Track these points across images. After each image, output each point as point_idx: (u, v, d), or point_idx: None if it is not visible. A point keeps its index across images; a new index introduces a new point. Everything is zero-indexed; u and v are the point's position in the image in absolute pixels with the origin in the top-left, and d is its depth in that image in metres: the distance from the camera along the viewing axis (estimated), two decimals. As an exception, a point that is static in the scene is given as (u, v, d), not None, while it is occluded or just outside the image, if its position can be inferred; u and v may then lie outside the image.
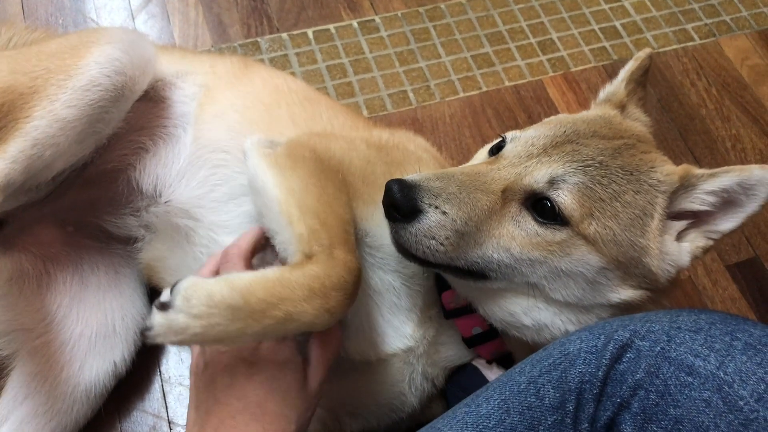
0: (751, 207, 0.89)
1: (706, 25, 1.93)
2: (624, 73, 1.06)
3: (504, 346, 1.00)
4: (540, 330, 0.91)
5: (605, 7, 1.94)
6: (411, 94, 1.72)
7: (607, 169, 0.88)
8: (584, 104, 1.73)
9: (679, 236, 0.92)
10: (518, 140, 0.92)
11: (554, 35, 1.87)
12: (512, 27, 1.88)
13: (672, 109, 1.76)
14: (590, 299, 0.90)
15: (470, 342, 1.00)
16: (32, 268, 1.16)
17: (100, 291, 1.19)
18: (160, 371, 1.30)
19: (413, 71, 1.76)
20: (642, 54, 1.06)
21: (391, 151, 1.07)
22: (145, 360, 1.26)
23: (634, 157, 0.91)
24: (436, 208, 0.85)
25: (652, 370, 0.76)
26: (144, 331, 0.76)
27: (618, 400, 0.77)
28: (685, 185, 0.91)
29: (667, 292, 0.95)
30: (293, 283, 0.81)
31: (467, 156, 1.12)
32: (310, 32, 1.80)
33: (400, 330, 1.00)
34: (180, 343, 0.77)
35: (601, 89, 1.09)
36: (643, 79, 1.06)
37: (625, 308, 0.91)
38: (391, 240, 0.90)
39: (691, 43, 1.89)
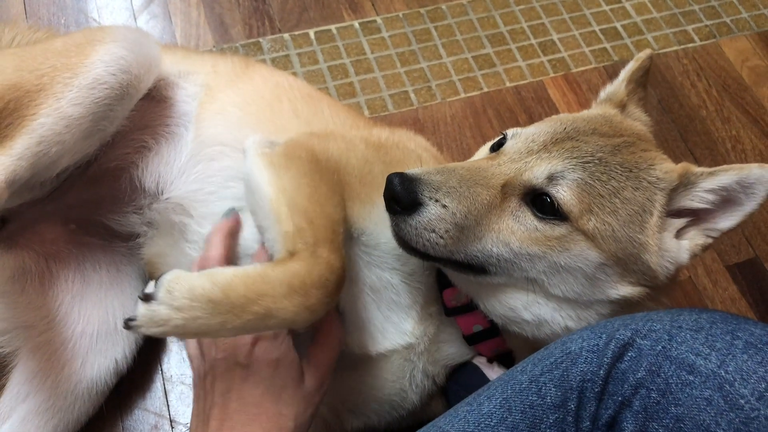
0: (750, 205, 0.89)
1: (706, 26, 1.93)
2: (624, 73, 1.07)
3: (505, 345, 1.01)
4: (540, 325, 0.92)
5: (606, 8, 1.95)
6: (412, 95, 1.73)
7: (607, 166, 0.88)
8: (585, 105, 1.73)
9: (679, 234, 0.92)
10: (519, 137, 0.93)
11: (555, 36, 1.88)
12: (513, 28, 1.88)
13: (672, 110, 1.76)
14: (589, 295, 0.90)
15: (471, 340, 1.00)
16: (35, 266, 1.17)
17: (102, 288, 1.20)
18: (161, 370, 1.30)
19: (414, 72, 1.77)
20: (642, 55, 1.06)
21: (390, 149, 1.07)
22: (146, 358, 1.27)
23: (634, 154, 0.91)
24: (437, 201, 0.86)
25: (654, 368, 0.77)
26: (127, 321, 0.77)
27: (619, 399, 0.77)
28: (685, 183, 0.91)
29: (666, 290, 0.96)
30: (274, 280, 0.81)
31: (468, 156, 1.12)
32: (311, 33, 1.81)
33: (399, 326, 1.00)
34: (162, 334, 0.78)
35: (601, 90, 1.10)
36: (643, 80, 1.07)
37: (625, 305, 0.91)
38: (391, 233, 0.90)
39: (691, 45, 1.89)
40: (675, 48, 1.88)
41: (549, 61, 1.83)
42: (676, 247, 0.91)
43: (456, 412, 0.86)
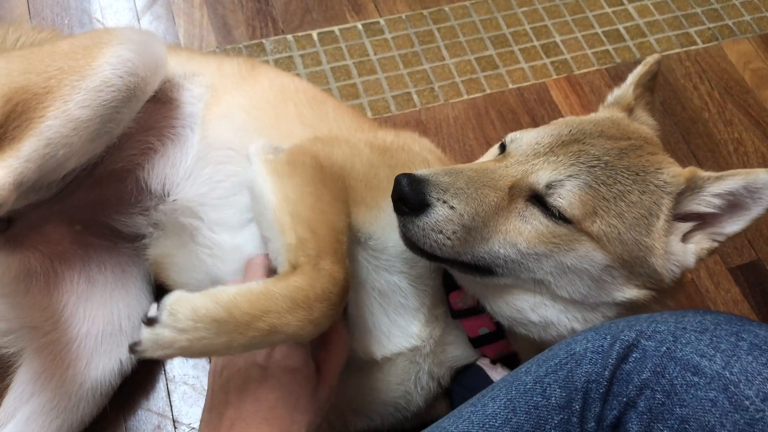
0: (756, 210, 0.90)
1: (709, 29, 1.94)
2: (632, 77, 1.07)
3: (510, 347, 1.01)
4: (546, 327, 0.92)
5: (608, 10, 1.95)
6: (415, 96, 1.73)
7: (613, 169, 0.89)
8: (587, 107, 1.74)
9: (685, 237, 0.93)
10: (521, 140, 0.94)
11: (558, 38, 1.88)
12: (516, 30, 1.89)
13: (675, 113, 1.77)
14: (596, 297, 0.91)
15: (476, 342, 1.00)
16: (40, 267, 1.17)
17: (106, 289, 1.20)
18: (164, 370, 1.30)
19: (417, 73, 1.77)
20: (651, 59, 1.07)
21: (395, 153, 1.07)
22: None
23: (641, 158, 0.92)
24: (444, 202, 0.86)
25: (659, 369, 0.77)
26: (132, 346, 0.77)
27: (624, 400, 0.78)
28: (692, 187, 0.92)
29: (671, 293, 0.96)
30: (277, 295, 0.81)
31: (471, 158, 1.13)
32: (314, 34, 1.81)
33: (406, 330, 1.00)
34: (168, 356, 0.79)
35: (604, 92, 1.11)
36: (651, 84, 1.07)
37: (631, 308, 0.92)
38: (399, 233, 0.91)
39: (694, 47, 1.90)
40: (677, 50, 1.89)
41: (552, 63, 1.83)
42: (682, 250, 0.92)
43: (460, 413, 0.87)
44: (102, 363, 1.16)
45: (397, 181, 0.87)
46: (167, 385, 1.28)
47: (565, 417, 0.80)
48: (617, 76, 1.79)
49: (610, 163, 0.89)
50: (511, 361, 1.03)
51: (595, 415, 0.79)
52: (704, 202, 0.92)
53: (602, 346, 0.81)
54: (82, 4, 1.80)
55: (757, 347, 0.75)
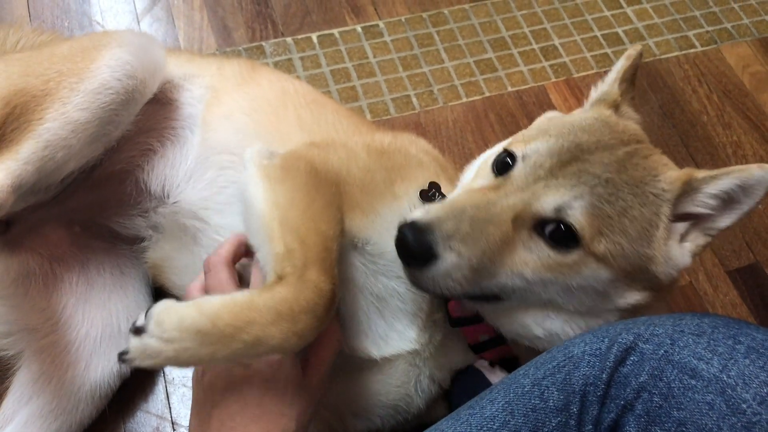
0: (748, 204, 0.90)
1: (707, 32, 1.94)
2: (616, 72, 1.05)
3: (511, 351, 1.01)
4: (551, 339, 0.92)
5: (607, 13, 1.96)
6: (414, 99, 1.73)
7: (614, 186, 0.88)
8: (587, 110, 1.74)
9: (681, 237, 0.93)
10: (528, 159, 0.91)
11: (557, 41, 1.88)
12: (515, 33, 1.89)
13: (673, 116, 1.77)
14: (600, 307, 0.91)
15: (477, 348, 1.01)
16: (38, 269, 1.17)
17: (105, 291, 1.20)
18: (163, 372, 1.30)
19: (416, 76, 1.77)
20: (633, 52, 1.04)
21: (392, 155, 1.07)
22: (149, 361, 1.27)
23: (638, 166, 0.91)
24: (452, 249, 0.85)
25: (656, 372, 0.77)
26: (121, 355, 0.77)
27: (622, 403, 0.78)
28: (688, 190, 0.92)
29: (668, 289, 0.97)
30: (261, 307, 0.80)
31: (470, 160, 1.12)
32: (314, 37, 1.81)
33: (404, 334, 1.00)
34: (155, 366, 0.77)
35: (592, 89, 1.09)
36: (633, 77, 1.05)
37: (632, 310, 0.92)
38: (404, 274, 0.91)
39: (692, 50, 1.90)
40: (676, 53, 1.89)
41: (551, 65, 1.83)
42: (680, 253, 0.92)
43: (458, 416, 0.87)
44: (101, 365, 1.16)
45: (402, 233, 0.87)
46: (166, 387, 1.29)
47: (563, 420, 0.80)
48: (616, 79, 1.79)
49: (610, 180, 0.88)
50: (509, 363, 1.03)
51: (592, 418, 0.79)
52: (701, 204, 0.92)
53: (600, 349, 0.81)
54: (82, 6, 1.80)
55: (754, 350, 0.75)
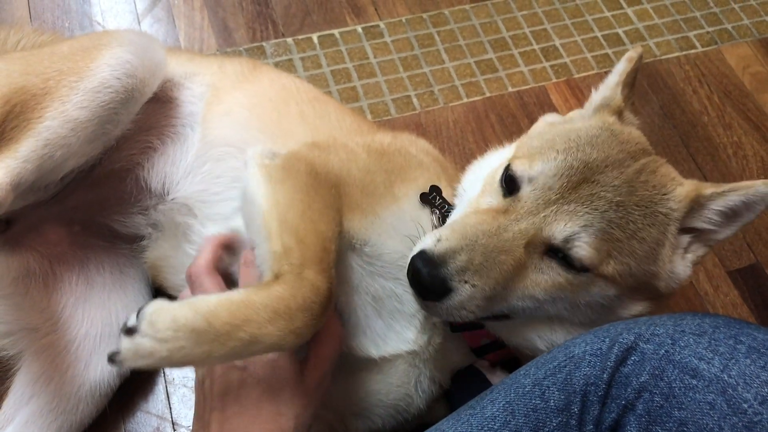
0: (749, 218, 0.92)
1: (708, 32, 1.94)
2: (618, 75, 1.04)
3: (511, 353, 1.02)
4: (551, 348, 0.93)
5: (608, 14, 1.96)
6: (415, 99, 1.73)
7: (625, 210, 0.88)
8: (587, 111, 1.74)
9: (684, 250, 0.95)
10: (527, 185, 0.91)
11: (557, 42, 1.88)
12: (515, 33, 1.89)
13: (674, 116, 1.77)
14: (603, 319, 0.92)
15: (479, 352, 1.01)
16: (38, 268, 1.17)
17: (105, 290, 1.20)
18: (163, 373, 1.30)
19: (417, 76, 1.77)
20: (634, 55, 1.04)
21: (392, 156, 1.07)
22: (149, 361, 1.27)
23: (647, 184, 0.91)
24: (466, 282, 0.86)
25: (657, 372, 0.77)
26: (112, 356, 0.76)
27: (623, 402, 0.78)
28: (695, 206, 0.93)
29: (669, 298, 0.98)
30: (258, 305, 0.80)
31: (471, 161, 1.12)
32: (314, 37, 1.81)
33: (402, 335, 1.00)
34: (148, 366, 0.77)
35: (593, 92, 1.08)
36: (634, 81, 1.05)
37: (632, 316, 0.93)
38: (417, 302, 0.92)
39: (693, 51, 1.90)
40: (677, 54, 1.89)
41: (551, 66, 1.83)
42: (683, 266, 0.94)
43: (459, 416, 0.87)
44: (101, 364, 1.16)
45: (415, 267, 0.87)
46: (166, 387, 1.28)
47: (564, 420, 0.80)
48: (617, 80, 1.79)
49: (621, 203, 0.88)
50: (510, 363, 1.03)
51: (593, 418, 0.79)
52: (706, 220, 0.94)
53: (601, 349, 0.81)
54: (82, 6, 1.80)
55: (755, 350, 0.75)
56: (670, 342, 0.78)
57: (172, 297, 1.20)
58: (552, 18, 1.93)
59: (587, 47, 1.88)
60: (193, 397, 1.26)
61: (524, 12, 1.93)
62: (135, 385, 1.25)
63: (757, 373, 0.73)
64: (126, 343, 0.76)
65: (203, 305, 0.79)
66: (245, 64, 1.27)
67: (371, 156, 1.04)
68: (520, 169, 0.92)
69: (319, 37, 1.81)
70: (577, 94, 1.78)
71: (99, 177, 1.17)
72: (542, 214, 0.88)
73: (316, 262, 0.86)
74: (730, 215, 0.93)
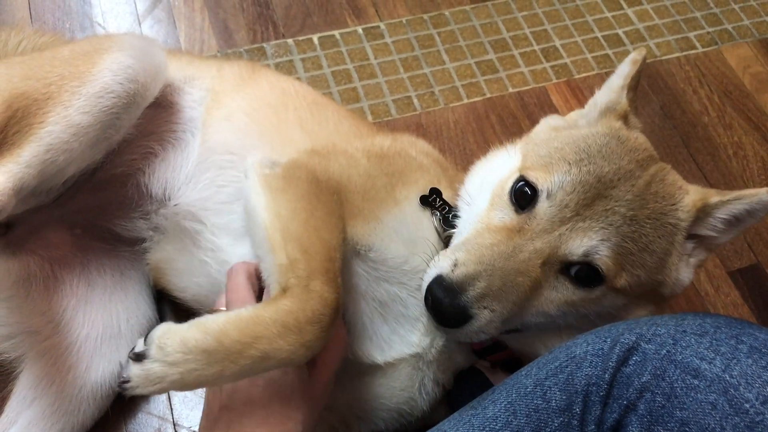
0: (750, 223, 0.95)
1: (708, 33, 1.94)
2: (622, 79, 1.03)
3: (513, 354, 1.02)
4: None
5: (608, 15, 1.96)
6: (415, 100, 1.73)
7: (638, 223, 0.89)
8: (587, 111, 1.74)
9: (688, 256, 0.97)
10: (553, 198, 0.90)
11: (557, 42, 1.88)
12: (516, 34, 1.89)
13: (674, 117, 1.77)
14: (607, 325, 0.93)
15: (481, 354, 1.01)
16: (40, 271, 1.16)
17: (106, 293, 1.20)
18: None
19: (417, 77, 1.78)
20: (638, 57, 1.03)
21: (393, 159, 1.07)
22: (150, 362, 1.27)
23: (657, 196, 0.92)
24: (485, 308, 0.87)
25: (659, 372, 0.77)
26: (121, 384, 0.76)
27: (624, 402, 0.78)
28: (701, 215, 0.95)
29: (670, 300, 1.00)
30: (267, 320, 0.80)
31: (471, 161, 1.12)
32: (315, 38, 1.81)
33: (405, 338, 1.00)
34: (160, 391, 0.77)
35: (595, 94, 1.07)
36: (637, 84, 1.05)
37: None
38: (435, 329, 0.94)
39: (693, 51, 1.90)
40: (677, 55, 1.89)
41: (552, 67, 1.83)
42: (687, 272, 0.95)
43: (460, 417, 0.87)
44: (102, 366, 1.16)
45: (436, 297, 0.88)
46: (168, 388, 1.28)
47: (566, 420, 0.80)
48: (617, 80, 1.79)
49: (634, 217, 0.89)
50: (511, 363, 1.03)
51: (595, 418, 0.79)
52: (710, 227, 0.95)
53: (602, 349, 0.81)
54: (83, 8, 1.81)
55: (756, 350, 0.75)
56: (671, 342, 0.78)
57: (174, 299, 1.20)
58: (552, 19, 1.93)
59: (588, 48, 1.88)
60: (194, 398, 1.26)
61: (524, 13, 1.93)
62: (137, 387, 1.25)
63: (759, 373, 0.73)
64: (136, 370, 0.76)
65: (212, 325, 0.79)
66: (244, 67, 1.27)
67: (371, 160, 1.04)
68: (534, 182, 0.92)
69: (319, 38, 1.82)
70: (578, 94, 1.78)
71: (101, 181, 1.17)
72: (557, 233, 0.88)
73: (322, 272, 0.85)
74: (733, 222, 0.94)
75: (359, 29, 1.84)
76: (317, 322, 0.82)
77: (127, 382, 0.76)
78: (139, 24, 1.79)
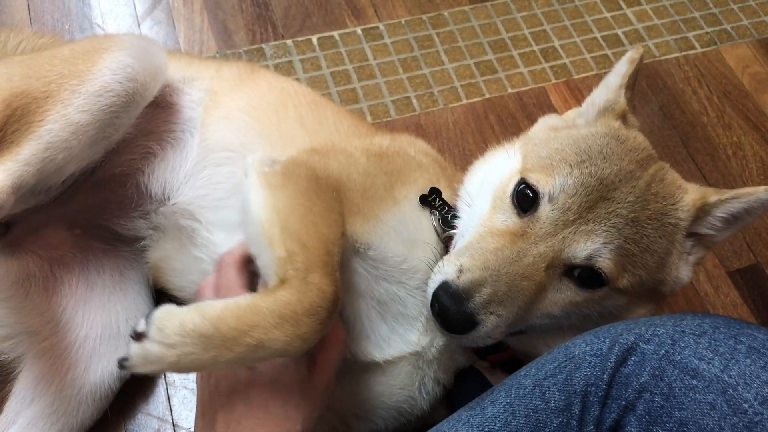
0: (748, 221, 0.96)
1: (707, 33, 1.94)
2: (621, 78, 1.03)
3: (513, 354, 1.02)
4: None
5: (607, 15, 1.96)
6: (414, 101, 1.73)
7: (639, 225, 0.90)
8: (587, 111, 1.74)
9: (687, 254, 0.97)
10: (556, 201, 0.90)
11: (557, 43, 1.88)
12: (515, 35, 1.89)
13: (674, 117, 1.77)
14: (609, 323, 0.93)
15: (481, 354, 1.01)
16: (39, 271, 1.17)
17: (105, 293, 1.20)
18: (164, 374, 1.30)
19: (417, 78, 1.78)
20: (635, 56, 1.03)
21: (391, 159, 1.07)
22: (150, 363, 1.27)
23: (657, 196, 0.93)
24: (491, 313, 0.87)
25: (657, 373, 0.77)
26: (121, 361, 0.77)
27: (623, 403, 0.78)
28: (701, 214, 0.95)
29: (669, 298, 1.00)
30: (264, 310, 0.80)
31: (470, 161, 1.12)
32: (314, 39, 1.81)
33: (404, 337, 1.00)
34: (157, 371, 0.77)
35: (593, 93, 1.07)
36: (635, 82, 1.05)
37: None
38: (441, 334, 0.95)
39: (692, 51, 1.90)
40: (676, 55, 1.89)
41: (551, 67, 1.83)
42: (686, 270, 0.96)
43: (459, 417, 0.87)
44: (101, 366, 1.16)
45: (443, 305, 0.88)
46: (167, 389, 1.28)
47: (564, 420, 0.80)
48: (616, 81, 1.79)
49: (636, 219, 0.90)
50: (510, 364, 1.03)
51: (594, 419, 0.79)
52: (709, 225, 0.96)
53: (601, 349, 0.81)
54: (82, 9, 1.81)
55: (755, 350, 0.75)
56: (670, 342, 0.78)
57: (174, 298, 1.20)
58: (551, 19, 1.93)
59: (587, 48, 1.88)
60: (194, 398, 1.26)
61: (523, 13, 1.94)
62: (136, 387, 1.25)
63: (758, 373, 0.73)
64: (135, 349, 0.76)
65: (211, 310, 0.79)
66: (243, 67, 1.27)
67: (370, 159, 1.04)
68: (535, 185, 0.92)
69: (318, 38, 1.82)
70: (577, 94, 1.78)
71: (100, 181, 1.17)
72: (560, 236, 0.89)
73: (320, 265, 0.85)
74: (731, 220, 0.95)
75: (358, 30, 1.84)
76: (314, 314, 0.82)
77: (127, 359, 0.77)
78: (138, 25, 1.80)
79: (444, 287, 0.89)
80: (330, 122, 1.18)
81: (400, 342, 1.00)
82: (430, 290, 0.91)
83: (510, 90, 1.78)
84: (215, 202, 1.12)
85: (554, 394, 0.81)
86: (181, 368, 0.78)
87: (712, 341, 0.77)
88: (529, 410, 0.82)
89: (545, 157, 0.95)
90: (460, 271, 0.89)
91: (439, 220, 1.01)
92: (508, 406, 0.83)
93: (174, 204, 1.15)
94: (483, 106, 1.74)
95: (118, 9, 1.82)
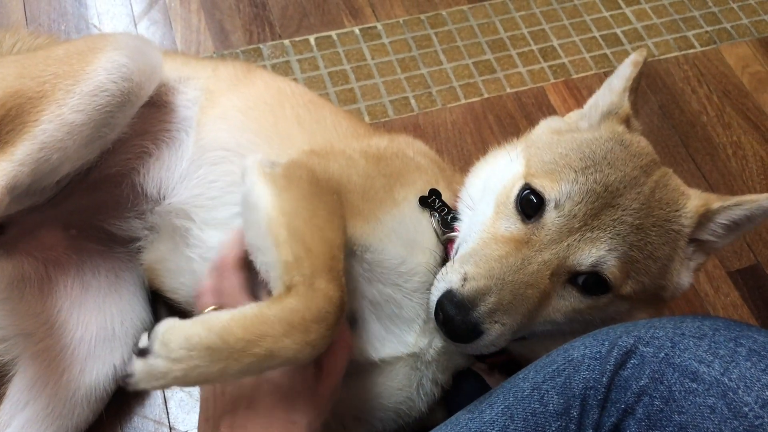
0: (749, 227, 0.96)
1: (706, 32, 1.94)
2: (623, 81, 1.03)
3: (512, 356, 1.01)
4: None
5: (606, 14, 1.95)
6: (413, 101, 1.73)
7: (644, 232, 0.90)
8: (585, 111, 1.73)
9: (688, 260, 0.98)
10: (561, 208, 0.90)
11: (555, 42, 1.88)
12: (513, 34, 1.88)
13: (673, 116, 1.76)
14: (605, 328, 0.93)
15: (480, 356, 1.00)
16: (34, 272, 1.16)
17: (100, 295, 1.19)
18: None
19: (415, 78, 1.77)
20: (639, 58, 1.03)
21: (390, 160, 1.06)
22: (146, 365, 1.26)
23: (661, 202, 0.92)
24: (496, 322, 0.87)
25: (657, 376, 0.76)
26: (125, 379, 0.75)
27: (622, 406, 0.77)
28: (703, 221, 0.95)
29: (669, 302, 1.00)
30: (272, 319, 0.79)
31: (469, 162, 1.12)
32: (312, 39, 1.81)
33: (401, 338, 1.00)
34: (163, 387, 0.77)
35: (596, 92, 1.07)
36: (638, 85, 1.05)
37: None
38: (446, 342, 0.95)
39: (692, 51, 1.90)
40: (675, 54, 1.89)
41: (549, 67, 1.83)
42: (687, 276, 0.96)
43: (457, 420, 0.86)
44: (96, 368, 1.15)
45: (447, 314, 0.87)
46: (164, 392, 1.28)
47: (563, 424, 0.79)
48: (615, 80, 1.79)
49: (640, 226, 0.90)
50: (508, 366, 1.02)
51: (593, 422, 0.79)
52: (711, 232, 0.96)
53: (600, 352, 0.81)
54: (79, 9, 1.80)
55: (755, 353, 0.74)
56: (669, 345, 0.78)
57: (169, 300, 1.20)
58: (550, 18, 1.92)
59: (585, 47, 1.88)
60: (190, 401, 1.26)
61: (522, 12, 1.93)
62: (132, 390, 1.24)
63: (758, 376, 0.72)
64: (139, 366, 0.75)
65: (216, 322, 0.78)
66: (239, 67, 1.26)
67: (369, 161, 1.04)
68: (541, 191, 0.92)
69: (316, 38, 1.81)
70: (576, 94, 1.77)
71: (95, 181, 1.16)
72: (565, 243, 0.88)
73: (326, 270, 0.85)
74: (733, 227, 0.96)
75: (356, 30, 1.84)
76: (323, 320, 0.81)
77: (130, 377, 0.75)
78: (135, 25, 1.79)
79: (448, 296, 0.88)
80: (327, 122, 1.18)
81: (396, 342, 0.99)
82: (434, 298, 0.91)
83: (509, 90, 1.77)
84: (209, 201, 1.11)
85: (553, 397, 0.81)
86: (188, 382, 0.77)
87: (712, 344, 0.76)
88: (528, 413, 0.81)
89: (549, 161, 0.94)
90: (465, 279, 0.88)
91: (438, 221, 1.01)
92: (506, 410, 0.83)
93: (169, 203, 1.14)
94: (481, 106, 1.73)
95: (115, 9, 1.81)
